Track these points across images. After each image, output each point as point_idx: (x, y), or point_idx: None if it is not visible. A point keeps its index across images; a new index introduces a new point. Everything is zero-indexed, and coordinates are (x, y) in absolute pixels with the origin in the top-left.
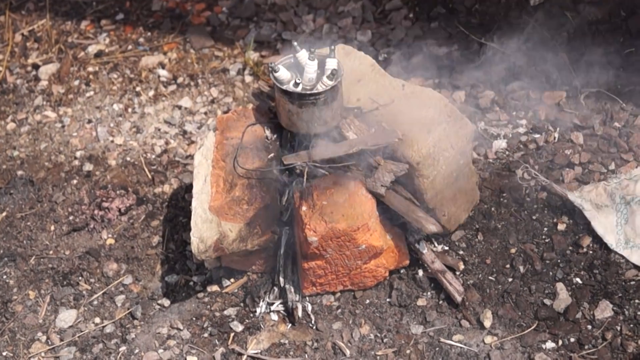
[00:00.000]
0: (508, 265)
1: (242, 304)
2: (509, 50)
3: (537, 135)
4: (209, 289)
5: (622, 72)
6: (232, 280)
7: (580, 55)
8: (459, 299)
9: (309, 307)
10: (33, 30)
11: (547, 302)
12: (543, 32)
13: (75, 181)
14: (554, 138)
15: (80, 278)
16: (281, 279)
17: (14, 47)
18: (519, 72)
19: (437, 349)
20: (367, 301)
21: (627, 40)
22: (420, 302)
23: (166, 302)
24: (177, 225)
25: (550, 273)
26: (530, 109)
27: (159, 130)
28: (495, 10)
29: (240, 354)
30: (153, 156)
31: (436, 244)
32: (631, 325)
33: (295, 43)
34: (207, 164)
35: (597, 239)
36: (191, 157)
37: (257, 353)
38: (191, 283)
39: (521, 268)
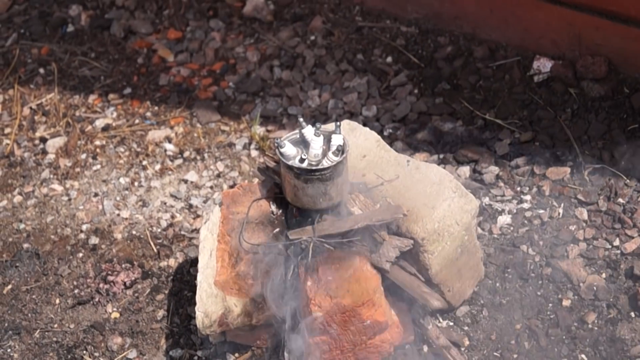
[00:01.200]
0: (513, 341)
1: None
2: (512, 125)
3: (541, 211)
4: None
5: (625, 148)
6: (236, 355)
7: (584, 132)
8: None
9: None
10: (41, 104)
11: None
12: (547, 108)
13: (81, 254)
14: (558, 214)
15: (84, 352)
16: (286, 354)
17: (21, 121)
18: (523, 147)
19: None
20: None
21: (630, 116)
22: None
23: None
24: (182, 299)
25: (556, 349)
26: (535, 185)
27: (165, 204)
28: (499, 87)
29: None
30: (159, 230)
31: (441, 320)
32: None
33: (301, 119)
34: (213, 238)
35: (603, 315)
36: (197, 231)
37: None
38: (196, 358)
39: (526, 344)
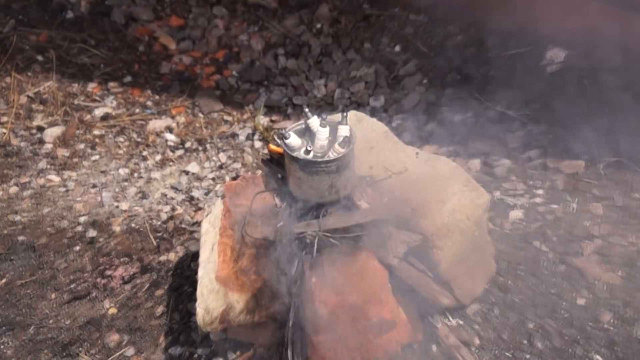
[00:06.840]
0: (525, 341)
1: None
2: (525, 117)
3: (554, 206)
4: None
5: None
6: (238, 353)
7: (599, 124)
8: None
9: None
10: (39, 92)
11: None
12: (560, 99)
13: (77, 247)
14: (573, 209)
15: (80, 349)
16: (289, 353)
17: (18, 109)
18: (536, 140)
19: None
20: None
21: None
22: None
23: None
24: (182, 295)
25: (570, 350)
26: (548, 179)
27: (165, 195)
28: (511, 77)
29: None
30: (159, 222)
31: (450, 318)
32: None
33: (307, 109)
34: (215, 232)
35: (619, 315)
36: (198, 224)
37: None
38: (196, 355)
39: (539, 344)
